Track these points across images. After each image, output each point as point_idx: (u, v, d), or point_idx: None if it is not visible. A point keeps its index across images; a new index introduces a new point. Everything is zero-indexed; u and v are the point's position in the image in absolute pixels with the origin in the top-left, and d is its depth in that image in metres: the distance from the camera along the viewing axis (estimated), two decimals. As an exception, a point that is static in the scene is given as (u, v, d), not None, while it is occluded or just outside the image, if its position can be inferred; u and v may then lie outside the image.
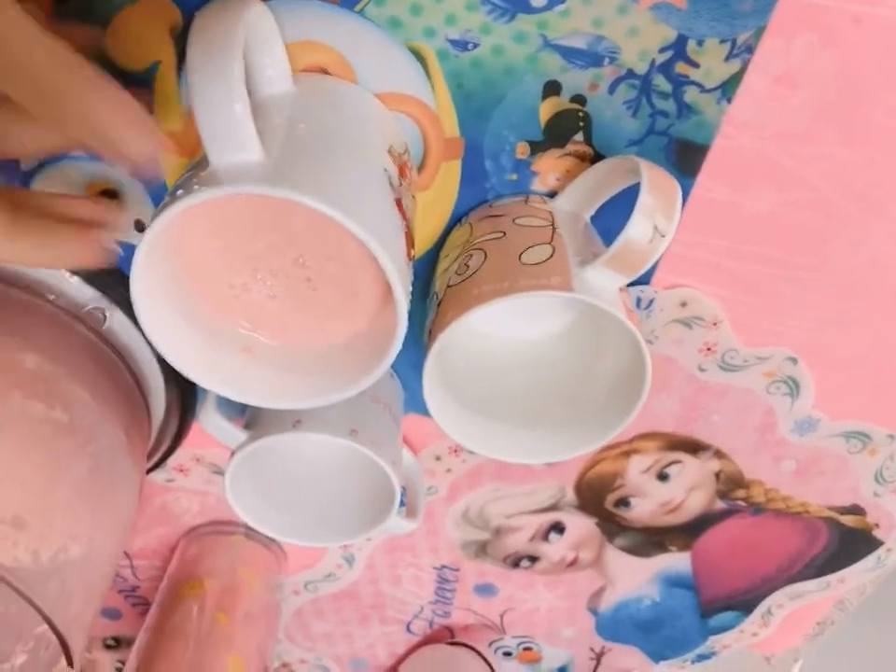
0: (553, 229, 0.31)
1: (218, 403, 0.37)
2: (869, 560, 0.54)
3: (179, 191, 0.24)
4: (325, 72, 0.31)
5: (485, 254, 0.31)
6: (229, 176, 0.24)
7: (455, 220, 0.36)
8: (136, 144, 0.23)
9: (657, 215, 0.27)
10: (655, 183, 0.27)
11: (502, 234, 0.31)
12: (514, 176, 0.34)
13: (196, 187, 0.24)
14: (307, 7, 0.30)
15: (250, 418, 0.38)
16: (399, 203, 0.28)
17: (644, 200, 0.27)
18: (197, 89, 0.23)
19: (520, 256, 0.30)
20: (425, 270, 0.37)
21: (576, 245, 0.30)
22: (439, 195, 0.35)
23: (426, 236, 0.36)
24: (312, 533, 0.41)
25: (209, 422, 0.36)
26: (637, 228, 0.27)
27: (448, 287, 0.31)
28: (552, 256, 0.29)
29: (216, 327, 0.30)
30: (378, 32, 0.30)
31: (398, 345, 0.27)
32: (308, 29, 0.30)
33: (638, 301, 0.38)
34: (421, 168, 0.34)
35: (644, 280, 0.38)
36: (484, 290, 0.29)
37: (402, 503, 0.46)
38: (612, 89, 0.32)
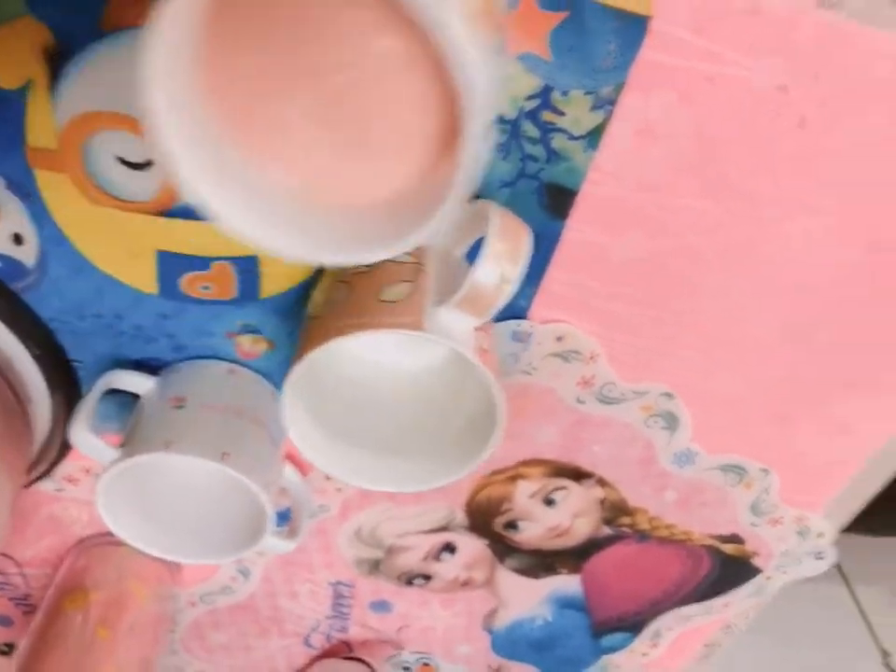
0: (420, 266, 0.32)
1: (91, 419, 0.37)
2: (749, 586, 0.56)
3: None
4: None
5: (350, 287, 0.31)
6: None
7: (337, 248, 0.36)
8: None
9: (503, 261, 0.28)
10: (503, 229, 0.28)
11: (369, 269, 0.32)
12: (392, 210, 0.35)
13: None
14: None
15: (127, 436, 0.38)
16: None
17: (491, 245, 0.28)
18: None
19: (380, 292, 0.30)
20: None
21: (439, 283, 0.31)
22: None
23: (304, 266, 0.37)
24: (185, 549, 0.41)
25: (79, 438, 0.36)
26: (483, 272, 0.28)
27: (312, 318, 0.31)
28: (410, 294, 0.30)
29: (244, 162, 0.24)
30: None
31: (456, 199, 0.22)
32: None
33: (515, 333, 0.39)
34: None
35: (521, 314, 0.39)
36: (342, 324, 0.29)
37: (289, 518, 0.46)
38: (484, 131, 0.33)
